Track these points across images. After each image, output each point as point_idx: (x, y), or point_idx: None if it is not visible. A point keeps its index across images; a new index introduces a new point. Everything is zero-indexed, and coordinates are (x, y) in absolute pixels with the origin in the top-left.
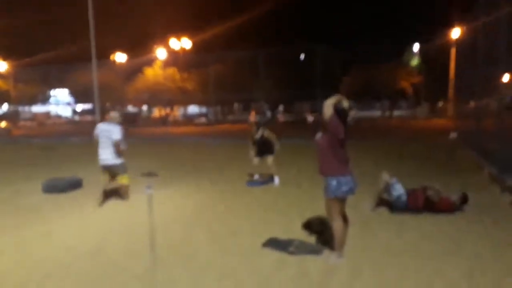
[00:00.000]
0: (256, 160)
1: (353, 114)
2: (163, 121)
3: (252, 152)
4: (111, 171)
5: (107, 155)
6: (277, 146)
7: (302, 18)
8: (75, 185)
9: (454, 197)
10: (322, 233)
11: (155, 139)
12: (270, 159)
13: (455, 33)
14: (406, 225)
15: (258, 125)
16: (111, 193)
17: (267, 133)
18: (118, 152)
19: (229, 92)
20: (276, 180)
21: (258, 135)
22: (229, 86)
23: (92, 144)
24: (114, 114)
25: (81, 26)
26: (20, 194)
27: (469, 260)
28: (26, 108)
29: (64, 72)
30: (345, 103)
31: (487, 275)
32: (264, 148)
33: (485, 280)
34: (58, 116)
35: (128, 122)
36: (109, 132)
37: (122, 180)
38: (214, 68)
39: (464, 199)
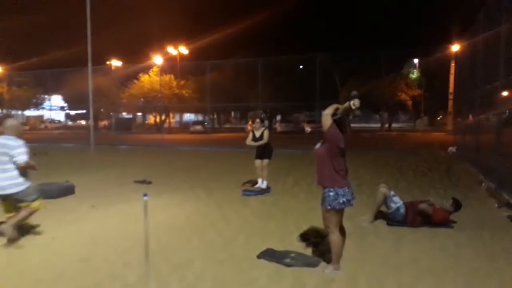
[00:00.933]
0: (257, 162)
1: (357, 103)
2: (158, 128)
3: (249, 139)
4: (12, 202)
5: (3, 182)
6: (262, 141)
7: (302, 28)
8: (67, 191)
9: (447, 205)
10: (319, 245)
11: (149, 146)
12: (265, 162)
13: (455, 47)
14: (404, 239)
15: (262, 121)
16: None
17: (266, 134)
18: (24, 175)
19: (226, 100)
20: (265, 183)
21: (259, 133)
22: (226, 94)
23: (84, 150)
24: (11, 122)
25: (78, 31)
26: None
27: (467, 276)
28: (19, 112)
29: (58, 77)
30: (342, 107)
31: None
32: (264, 150)
33: None
34: (51, 121)
35: (123, 128)
36: (6, 149)
37: (32, 204)
38: (211, 76)
39: (457, 206)
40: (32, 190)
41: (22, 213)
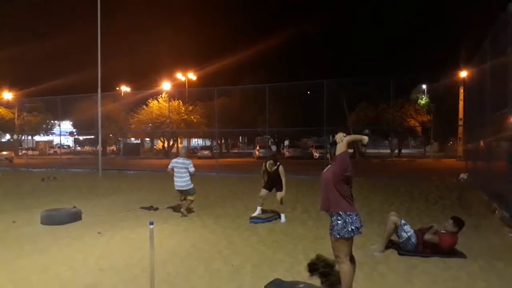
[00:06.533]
0: (264, 192)
1: (365, 141)
2: (166, 153)
3: (263, 181)
4: (184, 194)
5: (182, 183)
6: (284, 185)
7: (310, 54)
8: (74, 217)
9: (449, 226)
10: (328, 275)
11: (157, 171)
12: (279, 195)
13: (463, 73)
14: (415, 269)
15: (274, 158)
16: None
17: (281, 169)
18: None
19: (234, 125)
20: (283, 218)
21: (273, 168)
22: (234, 120)
23: (92, 175)
24: (184, 150)
25: (87, 58)
26: (18, 225)
27: None
28: (29, 137)
29: (68, 103)
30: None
31: None
32: (275, 183)
33: None
34: (60, 146)
35: (131, 153)
36: (186, 165)
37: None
38: (219, 102)
39: (460, 223)
40: (192, 190)
41: (187, 202)
